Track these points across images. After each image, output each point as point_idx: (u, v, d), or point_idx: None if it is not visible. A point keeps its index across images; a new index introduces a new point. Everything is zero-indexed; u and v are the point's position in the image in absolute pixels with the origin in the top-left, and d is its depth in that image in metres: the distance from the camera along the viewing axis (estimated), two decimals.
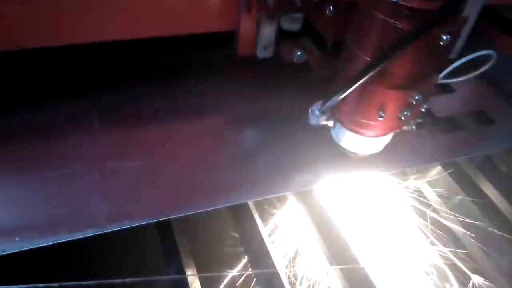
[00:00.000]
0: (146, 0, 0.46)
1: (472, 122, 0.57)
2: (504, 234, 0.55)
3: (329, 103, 0.39)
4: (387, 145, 0.44)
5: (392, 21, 0.33)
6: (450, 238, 0.56)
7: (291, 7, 0.43)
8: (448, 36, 0.33)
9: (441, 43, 0.33)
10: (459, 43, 0.47)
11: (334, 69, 0.43)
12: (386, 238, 0.57)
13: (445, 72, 0.42)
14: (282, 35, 0.48)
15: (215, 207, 0.44)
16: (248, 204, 0.50)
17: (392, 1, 0.32)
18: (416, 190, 0.60)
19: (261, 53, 0.49)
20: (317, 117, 0.41)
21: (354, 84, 0.36)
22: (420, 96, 0.36)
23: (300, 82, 0.51)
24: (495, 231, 0.55)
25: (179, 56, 0.60)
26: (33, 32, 0.46)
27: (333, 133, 0.45)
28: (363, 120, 0.39)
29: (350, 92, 0.38)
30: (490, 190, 0.58)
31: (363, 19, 0.35)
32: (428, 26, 0.31)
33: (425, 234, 0.57)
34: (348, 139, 0.43)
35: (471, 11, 0.40)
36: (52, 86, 0.55)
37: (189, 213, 0.43)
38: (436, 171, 0.61)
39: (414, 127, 0.42)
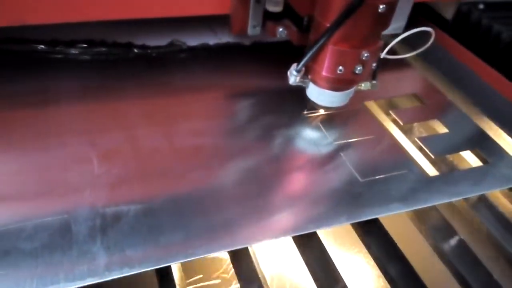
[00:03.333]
0: None
1: None
2: None
3: (302, 62, 0.51)
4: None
5: None
6: None
7: None
8: (384, 6, 0.45)
9: (379, 11, 0.45)
10: (400, 23, 0.59)
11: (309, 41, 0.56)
12: None
13: (389, 47, 0.53)
14: (267, 16, 0.60)
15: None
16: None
17: None
18: None
19: (251, 31, 0.61)
20: (294, 76, 0.53)
21: (318, 44, 0.48)
22: (368, 54, 0.49)
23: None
24: None
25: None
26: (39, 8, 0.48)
27: (307, 92, 0.57)
28: (328, 75, 0.51)
29: (317, 53, 0.50)
30: None
31: None
32: None
33: None
34: (319, 95, 0.55)
35: None
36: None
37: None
38: None
39: (369, 83, 0.54)
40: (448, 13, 0.79)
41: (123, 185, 0.47)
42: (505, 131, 0.62)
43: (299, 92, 0.57)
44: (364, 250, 0.49)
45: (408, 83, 0.70)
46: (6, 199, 0.44)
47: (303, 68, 0.52)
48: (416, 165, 0.54)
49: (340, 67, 0.49)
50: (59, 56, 0.63)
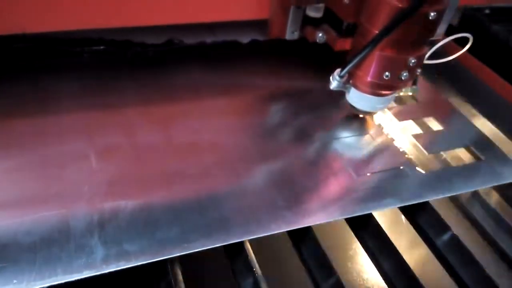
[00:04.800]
0: None
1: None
2: None
3: (347, 68, 0.52)
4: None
5: (394, 2, 0.46)
6: None
7: None
8: (435, 13, 0.45)
9: (430, 18, 0.46)
10: (442, 29, 0.60)
11: (349, 46, 0.56)
12: None
13: (431, 51, 0.54)
14: (306, 21, 0.61)
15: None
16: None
17: None
18: None
19: (289, 36, 0.61)
20: (337, 81, 0.54)
21: (367, 51, 0.48)
22: (415, 60, 0.49)
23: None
24: None
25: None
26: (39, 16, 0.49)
27: (348, 97, 0.57)
28: (373, 81, 0.52)
29: (363, 59, 0.50)
30: None
31: (374, 3, 0.48)
32: (418, 4, 0.43)
33: None
34: (359, 100, 0.55)
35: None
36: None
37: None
38: None
39: (409, 88, 0.55)
40: (454, 19, 0.79)
41: (121, 181, 0.47)
42: (499, 130, 0.63)
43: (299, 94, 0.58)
44: (358, 245, 0.50)
45: None
46: (5, 194, 0.44)
47: (347, 74, 0.53)
48: (410, 162, 0.55)
49: (387, 73, 0.50)
50: (58, 54, 0.63)
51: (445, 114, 0.64)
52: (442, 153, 0.58)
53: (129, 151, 0.51)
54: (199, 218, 0.45)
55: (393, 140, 0.59)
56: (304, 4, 0.57)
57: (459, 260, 0.49)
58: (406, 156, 0.56)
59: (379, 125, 0.61)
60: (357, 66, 0.52)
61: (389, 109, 0.62)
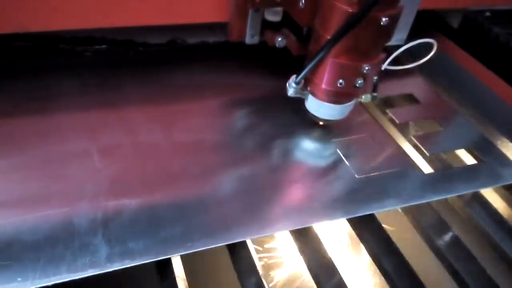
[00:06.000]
0: None
1: None
2: None
3: (301, 75, 0.50)
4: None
5: (344, 7, 0.44)
6: None
7: (273, 2, 0.54)
8: (387, 19, 0.43)
9: (382, 24, 0.44)
10: (402, 34, 0.58)
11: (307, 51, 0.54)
12: None
13: (390, 58, 0.52)
14: (266, 25, 0.58)
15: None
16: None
17: None
18: None
19: (249, 40, 0.59)
20: (294, 88, 0.52)
21: (319, 57, 0.46)
22: (369, 68, 0.47)
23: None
24: None
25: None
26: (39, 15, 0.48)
27: (306, 104, 0.55)
28: (328, 89, 0.50)
29: (317, 66, 0.48)
30: None
31: (325, 7, 0.46)
32: (367, 9, 0.41)
33: None
34: (318, 108, 0.53)
35: (409, 3, 0.50)
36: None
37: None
38: None
39: (369, 95, 0.53)
40: (455, 21, 0.79)
41: (124, 180, 0.47)
42: (500, 131, 0.63)
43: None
44: (361, 245, 0.50)
45: (405, 83, 0.70)
46: (9, 193, 0.44)
47: (302, 80, 0.51)
48: (412, 163, 0.55)
49: (341, 80, 0.48)
50: (60, 53, 0.63)
51: (445, 115, 0.64)
52: (442, 154, 0.58)
53: (132, 149, 0.51)
54: (203, 217, 0.44)
55: (394, 141, 0.58)
56: (261, 7, 0.55)
57: (460, 260, 0.49)
58: (407, 157, 0.56)
59: (380, 126, 0.60)
60: (313, 73, 0.50)
61: (390, 109, 0.62)
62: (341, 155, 0.55)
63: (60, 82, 0.59)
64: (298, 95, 0.53)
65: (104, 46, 0.65)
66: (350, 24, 0.43)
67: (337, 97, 0.51)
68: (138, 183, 0.47)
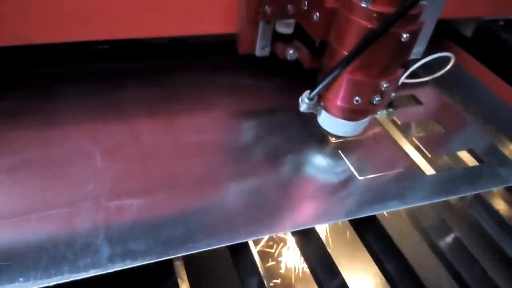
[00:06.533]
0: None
1: None
2: None
3: (315, 91, 0.48)
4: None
5: (363, 22, 0.41)
6: None
7: (285, 14, 0.52)
8: (408, 35, 0.41)
9: (402, 40, 0.42)
10: (420, 47, 0.56)
11: (320, 64, 0.52)
12: None
13: (408, 72, 0.50)
14: (277, 37, 0.56)
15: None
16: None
17: (363, 7, 0.41)
18: None
19: (259, 52, 0.57)
20: (307, 104, 0.50)
21: (334, 74, 0.44)
22: (388, 85, 0.45)
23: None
24: None
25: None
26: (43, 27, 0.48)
27: (319, 119, 0.53)
28: (343, 105, 0.48)
29: (332, 82, 0.46)
30: None
31: (342, 22, 0.44)
32: (388, 25, 0.39)
33: None
34: (331, 124, 0.51)
35: (428, 17, 0.48)
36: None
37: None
38: None
39: (385, 111, 0.51)
40: (468, 30, 0.78)
41: (126, 180, 0.47)
42: (503, 134, 0.63)
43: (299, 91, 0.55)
44: (362, 246, 0.49)
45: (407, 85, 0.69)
46: (11, 193, 0.44)
47: (316, 96, 0.49)
48: (414, 164, 0.55)
49: (357, 98, 0.46)
50: (62, 53, 0.62)
51: (448, 117, 0.64)
52: (445, 156, 0.58)
53: (134, 150, 0.51)
54: (205, 218, 0.44)
55: (396, 142, 0.58)
56: (273, 19, 0.53)
57: (461, 262, 0.49)
58: (409, 158, 0.55)
59: (382, 127, 0.60)
60: (327, 88, 0.48)
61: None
62: (343, 156, 0.54)
63: (62, 81, 0.59)
64: (311, 111, 0.51)
65: (106, 46, 0.64)
66: (369, 40, 0.41)
67: (352, 114, 0.49)
68: (140, 184, 0.47)
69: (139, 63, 0.65)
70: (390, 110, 0.52)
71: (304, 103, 0.50)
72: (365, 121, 0.51)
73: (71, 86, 0.58)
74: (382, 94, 0.46)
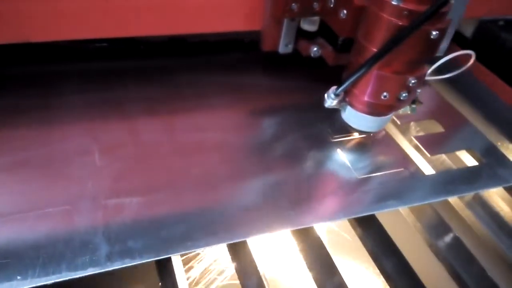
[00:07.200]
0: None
1: None
2: None
3: (343, 87, 0.49)
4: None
5: (394, 19, 0.43)
6: None
7: (311, 11, 0.53)
8: (437, 32, 0.43)
9: (432, 37, 0.43)
10: (444, 45, 0.57)
11: (344, 61, 0.53)
12: None
13: (432, 68, 0.51)
14: (301, 34, 0.58)
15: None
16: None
17: (394, 4, 0.42)
18: None
19: (282, 49, 0.58)
20: (332, 99, 0.51)
21: (364, 70, 0.45)
22: (416, 81, 0.46)
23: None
24: None
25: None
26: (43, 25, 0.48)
27: (343, 116, 0.54)
28: (370, 101, 0.49)
29: (360, 78, 0.48)
30: None
31: (371, 19, 0.45)
32: (421, 22, 0.40)
33: None
34: (356, 119, 0.53)
35: (453, 16, 0.50)
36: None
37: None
38: None
39: (408, 107, 0.52)
40: (468, 30, 0.78)
41: (125, 178, 0.47)
42: (502, 133, 0.64)
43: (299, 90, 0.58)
44: (361, 246, 0.50)
45: None
46: (10, 191, 0.44)
47: (342, 92, 0.50)
48: (413, 164, 0.55)
49: (385, 93, 0.47)
50: (61, 50, 0.61)
51: (447, 116, 0.64)
52: (444, 155, 0.58)
53: (133, 148, 0.50)
54: (204, 217, 0.44)
55: (395, 141, 0.58)
56: (299, 17, 0.54)
57: (460, 261, 0.49)
58: (408, 157, 0.56)
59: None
60: (354, 84, 0.49)
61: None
62: (342, 154, 0.54)
63: (61, 79, 0.58)
64: (335, 106, 0.52)
65: (105, 44, 0.64)
66: (400, 37, 0.42)
67: (378, 109, 0.50)
68: (140, 182, 0.47)
69: (139, 61, 0.65)
70: (413, 106, 0.53)
71: (330, 99, 0.51)
72: (389, 117, 0.52)
73: (70, 84, 0.57)
74: (409, 90, 0.47)
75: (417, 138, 0.59)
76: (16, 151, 0.48)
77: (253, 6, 0.56)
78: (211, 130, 0.55)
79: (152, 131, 0.53)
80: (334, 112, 0.55)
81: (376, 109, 0.50)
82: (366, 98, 0.48)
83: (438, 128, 0.61)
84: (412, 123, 0.61)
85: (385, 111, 0.50)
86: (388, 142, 0.58)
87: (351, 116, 0.53)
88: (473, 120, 0.65)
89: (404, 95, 0.47)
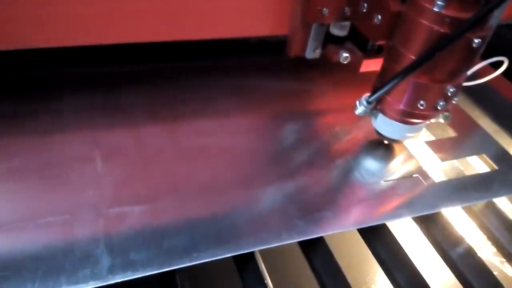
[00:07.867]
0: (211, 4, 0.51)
1: None
2: None
3: (377, 94, 0.47)
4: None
5: (435, 27, 0.41)
6: None
7: (342, 16, 0.51)
8: (480, 40, 0.41)
9: (473, 45, 0.41)
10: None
11: (374, 67, 0.52)
12: None
13: (467, 74, 0.50)
14: (329, 39, 0.56)
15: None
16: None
17: (436, 11, 0.41)
18: None
19: (310, 54, 0.57)
20: (365, 107, 0.49)
21: (402, 78, 0.44)
22: (454, 89, 0.45)
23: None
24: None
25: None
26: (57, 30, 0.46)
27: (374, 123, 0.53)
28: (405, 109, 0.47)
29: (395, 86, 0.46)
30: None
31: (410, 25, 0.43)
32: (463, 31, 0.39)
33: None
34: (390, 128, 0.51)
35: (493, 22, 0.48)
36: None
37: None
38: None
39: (441, 115, 0.51)
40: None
41: (128, 186, 0.46)
42: None
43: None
44: (371, 256, 0.48)
45: None
46: (8, 200, 0.43)
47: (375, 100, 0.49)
48: (424, 170, 0.54)
49: (422, 102, 0.46)
50: (62, 51, 0.59)
51: (458, 122, 0.63)
52: (455, 161, 0.57)
53: (136, 153, 0.49)
54: (210, 226, 0.43)
55: (406, 148, 0.57)
56: (330, 21, 0.53)
57: (473, 272, 0.47)
58: (419, 164, 0.55)
59: None
60: (388, 91, 0.47)
61: None
62: (350, 161, 0.53)
63: (62, 84, 0.57)
64: (366, 114, 0.51)
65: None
66: (442, 46, 0.41)
67: (413, 118, 0.48)
68: (142, 189, 0.46)
69: (142, 66, 0.64)
70: (446, 114, 0.52)
71: (362, 106, 0.50)
72: (423, 125, 0.51)
73: (71, 89, 0.57)
74: (447, 98, 0.45)
75: (428, 143, 0.58)
76: (15, 158, 0.46)
77: (280, 10, 0.54)
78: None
79: (155, 136, 0.52)
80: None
81: (410, 117, 0.48)
82: (401, 107, 0.47)
83: (450, 133, 0.61)
84: (424, 129, 0.59)
85: (419, 119, 0.49)
86: (398, 147, 0.57)
87: (383, 124, 0.51)
88: (485, 126, 0.64)
89: (441, 103, 0.46)
